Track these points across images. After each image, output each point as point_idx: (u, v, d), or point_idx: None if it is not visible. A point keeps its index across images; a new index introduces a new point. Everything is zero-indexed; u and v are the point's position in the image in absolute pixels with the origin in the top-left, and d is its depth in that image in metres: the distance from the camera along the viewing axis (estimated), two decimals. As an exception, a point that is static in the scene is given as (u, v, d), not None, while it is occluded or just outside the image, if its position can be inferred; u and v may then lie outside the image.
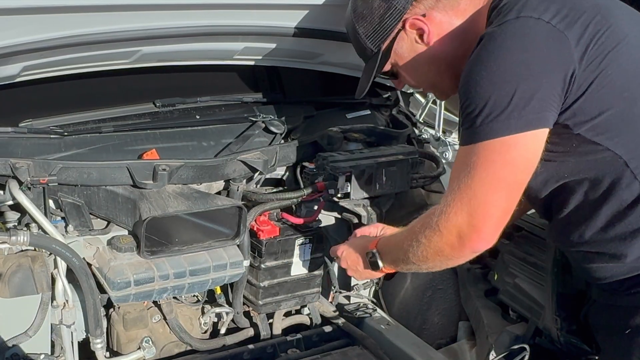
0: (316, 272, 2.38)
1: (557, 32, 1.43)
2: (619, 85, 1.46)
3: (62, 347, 2.07)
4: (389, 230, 1.98)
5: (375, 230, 2.03)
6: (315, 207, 2.31)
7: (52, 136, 2.15)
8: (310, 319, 2.52)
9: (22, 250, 1.96)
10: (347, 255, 1.97)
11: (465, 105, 1.47)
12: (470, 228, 1.47)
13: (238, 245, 2.18)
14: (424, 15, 1.65)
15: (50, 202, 2.03)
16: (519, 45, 1.43)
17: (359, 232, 2.05)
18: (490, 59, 1.44)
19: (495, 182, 1.44)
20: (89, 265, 2.03)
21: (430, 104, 3.06)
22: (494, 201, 1.45)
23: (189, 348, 2.30)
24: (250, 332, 2.41)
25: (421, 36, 1.68)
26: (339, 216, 2.51)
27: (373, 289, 2.67)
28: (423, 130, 2.92)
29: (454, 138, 2.91)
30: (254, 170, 2.24)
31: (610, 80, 1.45)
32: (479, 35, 1.51)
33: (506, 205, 1.47)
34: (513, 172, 1.44)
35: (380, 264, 1.81)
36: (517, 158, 1.43)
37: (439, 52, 1.68)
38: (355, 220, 2.45)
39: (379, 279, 2.61)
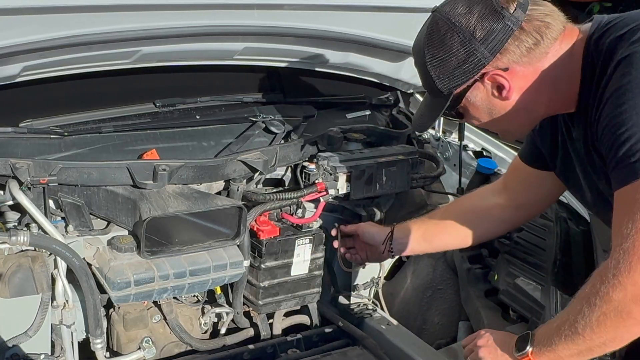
0: (316, 272, 2.38)
1: None
2: None
3: (62, 347, 2.07)
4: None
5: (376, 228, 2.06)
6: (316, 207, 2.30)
7: (52, 136, 2.14)
8: (310, 319, 2.52)
9: (22, 250, 1.96)
10: (489, 348, 1.66)
11: (620, 139, 1.31)
12: None
13: (238, 246, 2.17)
14: (506, 69, 1.49)
15: (50, 202, 2.02)
16: None
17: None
18: None
19: None
20: (89, 265, 2.02)
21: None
22: None
23: (189, 348, 2.30)
24: (250, 332, 2.41)
25: (500, 90, 1.52)
26: (339, 216, 2.51)
27: (373, 289, 2.67)
28: (423, 131, 2.91)
29: (454, 138, 2.91)
30: (254, 170, 2.24)
31: None
32: (571, 75, 1.46)
33: None
34: None
35: (529, 347, 1.51)
36: None
37: (519, 104, 1.54)
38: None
39: (379, 277, 2.61)
